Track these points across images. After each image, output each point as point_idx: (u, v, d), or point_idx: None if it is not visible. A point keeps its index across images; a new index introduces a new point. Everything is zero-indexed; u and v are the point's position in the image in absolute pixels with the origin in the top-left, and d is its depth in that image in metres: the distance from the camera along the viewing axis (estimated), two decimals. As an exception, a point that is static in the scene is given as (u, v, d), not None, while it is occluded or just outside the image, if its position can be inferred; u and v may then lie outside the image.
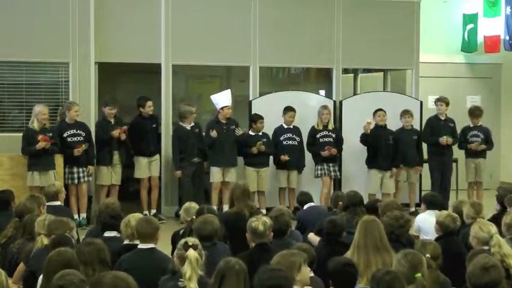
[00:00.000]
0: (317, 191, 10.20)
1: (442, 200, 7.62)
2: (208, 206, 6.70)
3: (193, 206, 6.27)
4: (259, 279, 3.84)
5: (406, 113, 10.75)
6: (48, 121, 9.45)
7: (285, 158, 10.34)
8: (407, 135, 10.79)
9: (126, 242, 5.53)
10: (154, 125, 10.35)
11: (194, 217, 5.95)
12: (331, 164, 10.51)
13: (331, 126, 10.59)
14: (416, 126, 11.13)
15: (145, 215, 8.84)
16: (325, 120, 10.51)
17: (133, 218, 5.57)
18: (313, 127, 10.55)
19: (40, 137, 9.12)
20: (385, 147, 10.49)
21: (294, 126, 10.52)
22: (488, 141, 11.02)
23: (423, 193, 10.89)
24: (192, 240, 4.44)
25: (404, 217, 5.63)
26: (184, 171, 10.14)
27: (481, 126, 11.03)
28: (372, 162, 10.55)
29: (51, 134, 9.33)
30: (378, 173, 10.52)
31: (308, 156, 10.64)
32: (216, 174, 10.10)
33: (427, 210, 6.98)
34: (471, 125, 11.04)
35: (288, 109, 10.48)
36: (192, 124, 10.25)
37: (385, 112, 10.52)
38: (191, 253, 4.25)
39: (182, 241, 4.41)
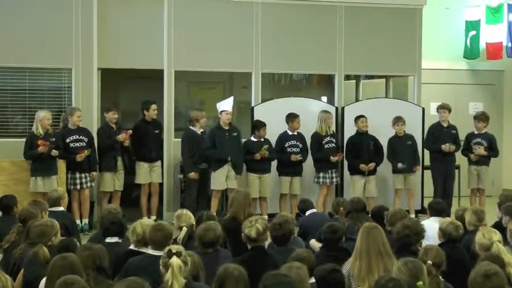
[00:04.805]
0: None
1: (447, 207, 7.63)
2: (208, 212, 6.70)
3: (185, 212, 6.22)
4: (263, 284, 3.84)
5: (398, 120, 10.73)
6: (51, 127, 9.49)
7: (296, 158, 10.32)
8: (402, 142, 10.78)
9: (131, 247, 5.51)
10: (157, 131, 10.36)
11: (185, 224, 5.95)
12: (333, 170, 10.54)
13: (332, 131, 10.62)
14: (418, 133, 11.14)
15: (155, 220, 8.93)
16: (330, 124, 10.54)
17: (140, 224, 5.55)
18: (317, 133, 10.53)
19: (40, 141, 9.15)
20: (366, 154, 10.52)
21: (298, 132, 10.51)
22: (492, 149, 11.01)
23: (425, 200, 10.95)
24: (175, 247, 4.40)
25: (418, 226, 5.60)
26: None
27: (485, 134, 11.00)
28: (354, 168, 10.57)
29: (54, 139, 9.36)
30: (360, 179, 10.55)
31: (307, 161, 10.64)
32: (219, 181, 10.07)
33: (431, 216, 7.04)
34: (475, 132, 11.03)
35: (294, 116, 10.44)
36: (202, 130, 10.27)
37: (366, 118, 10.56)
38: (174, 260, 4.21)
39: (166, 249, 4.39)
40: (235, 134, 10.20)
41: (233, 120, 10.34)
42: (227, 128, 10.14)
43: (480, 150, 10.83)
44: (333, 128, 10.73)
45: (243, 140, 10.40)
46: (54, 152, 9.26)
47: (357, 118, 10.61)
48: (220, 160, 9.98)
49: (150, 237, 5.19)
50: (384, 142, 10.72)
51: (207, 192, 10.24)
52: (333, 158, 10.40)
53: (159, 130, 10.42)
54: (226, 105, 10.18)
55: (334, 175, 10.55)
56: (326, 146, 10.49)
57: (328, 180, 10.49)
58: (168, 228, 5.28)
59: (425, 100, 12.03)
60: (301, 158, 10.37)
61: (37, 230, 5.44)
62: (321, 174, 10.50)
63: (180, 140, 10.36)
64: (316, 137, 10.52)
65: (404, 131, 10.78)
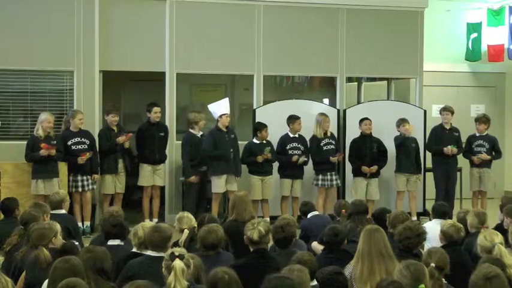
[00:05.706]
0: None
1: (449, 209, 7.63)
2: (210, 215, 6.70)
3: (186, 215, 6.22)
4: (266, 287, 3.83)
5: (403, 121, 10.73)
6: (52, 129, 9.49)
7: (297, 159, 10.29)
8: (406, 143, 10.77)
9: (134, 250, 5.52)
10: (162, 133, 10.33)
11: (187, 227, 5.96)
12: (333, 173, 10.53)
13: (329, 133, 10.63)
14: (420, 135, 11.13)
15: (157, 223, 9.00)
16: (327, 127, 10.53)
17: (142, 227, 5.55)
18: (314, 136, 10.53)
19: (42, 144, 9.16)
20: (370, 156, 10.53)
21: (299, 135, 10.51)
22: (494, 151, 10.99)
23: (427, 202, 10.95)
24: (178, 250, 4.40)
25: (420, 228, 5.60)
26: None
27: (487, 135, 10.99)
28: (357, 170, 10.59)
29: (55, 142, 9.37)
30: (363, 181, 10.57)
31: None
32: (219, 184, 10.04)
33: (434, 219, 7.08)
34: (477, 134, 11.02)
35: (295, 117, 10.44)
36: (201, 132, 10.27)
37: (370, 121, 10.57)
38: (177, 263, 4.20)
39: (169, 251, 4.40)
40: (233, 135, 10.21)
41: (234, 122, 10.33)
42: (225, 130, 10.14)
43: (484, 156, 10.80)
44: (331, 130, 10.69)
45: (245, 142, 10.40)
46: (52, 152, 9.25)
47: (361, 120, 10.61)
48: (222, 158, 9.94)
49: (148, 238, 5.21)
50: (385, 144, 10.71)
51: (206, 195, 10.23)
52: (333, 158, 10.40)
53: (164, 133, 10.39)
54: (223, 108, 10.16)
55: (334, 177, 10.53)
56: (325, 148, 10.49)
57: (326, 183, 10.48)
58: (166, 230, 5.27)
59: (427, 102, 12.03)
60: (305, 159, 10.35)
61: (36, 233, 5.46)
62: (320, 177, 10.49)
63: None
64: (315, 140, 10.52)
65: (410, 133, 10.77)
